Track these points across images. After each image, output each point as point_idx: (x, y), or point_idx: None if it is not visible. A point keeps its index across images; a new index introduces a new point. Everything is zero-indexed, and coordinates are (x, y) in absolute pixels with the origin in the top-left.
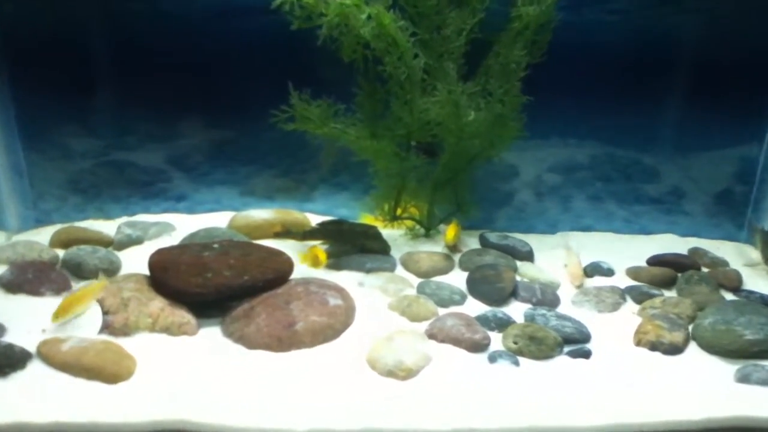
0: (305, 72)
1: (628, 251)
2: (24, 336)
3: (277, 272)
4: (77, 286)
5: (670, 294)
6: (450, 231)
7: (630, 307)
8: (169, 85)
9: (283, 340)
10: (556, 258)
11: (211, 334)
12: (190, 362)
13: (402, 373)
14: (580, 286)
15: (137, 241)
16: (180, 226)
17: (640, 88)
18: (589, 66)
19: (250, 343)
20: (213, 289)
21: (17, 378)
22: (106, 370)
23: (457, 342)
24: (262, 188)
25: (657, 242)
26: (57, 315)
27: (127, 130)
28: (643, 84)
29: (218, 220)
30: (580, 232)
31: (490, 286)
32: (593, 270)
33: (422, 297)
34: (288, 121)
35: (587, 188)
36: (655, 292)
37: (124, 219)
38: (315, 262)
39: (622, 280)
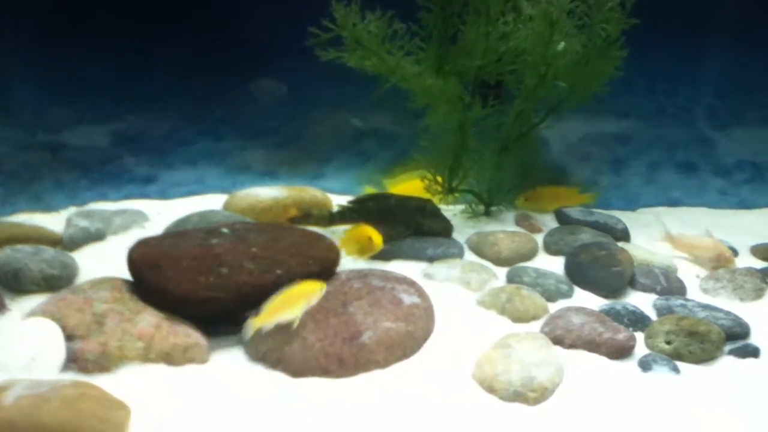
0: None
1: (737, 228)
2: None
3: (323, 263)
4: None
5: None
6: None
7: None
8: (124, 24)
9: (346, 360)
10: (652, 238)
11: (231, 358)
12: (207, 406)
13: (534, 394)
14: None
15: (98, 236)
16: (153, 215)
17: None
18: None
19: (296, 369)
20: (231, 292)
21: None
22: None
23: (593, 346)
24: (260, 162)
25: (765, 218)
26: (261, 320)
27: (69, 89)
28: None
29: (205, 206)
30: (668, 208)
31: (605, 271)
32: None
33: (524, 289)
34: (326, 48)
35: (676, 153)
36: None
37: (74, 210)
38: (365, 247)
39: (749, 261)
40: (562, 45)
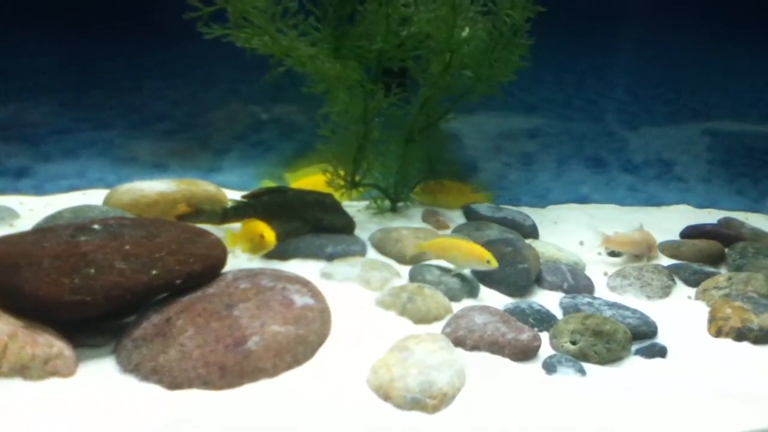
0: None
1: (646, 225)
2: None
3: (206, 261)
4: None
5: (717, 271)
6: None
7: (682, 290)
8: None
9: (230, 369)
10: (562, 234)
11: (101, 370)
12: (68, 427)
13: (433, 401)
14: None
15: None
16: (25, 212)
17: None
18: None
19: (173, 380)
20: (100, 295)
21: None
22: None
23: (497, 347)
24: (148, 153)
25: (673, 215)
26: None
27: None
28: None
29: (85, 202)
30: (577, 204)
31: (511, 267)
32: None
33: (427, 288)
34: (209, 24)
35: (586, 149)
36: (710, 269)
37: None
38: (257, 245)
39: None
40: (466, 31)
